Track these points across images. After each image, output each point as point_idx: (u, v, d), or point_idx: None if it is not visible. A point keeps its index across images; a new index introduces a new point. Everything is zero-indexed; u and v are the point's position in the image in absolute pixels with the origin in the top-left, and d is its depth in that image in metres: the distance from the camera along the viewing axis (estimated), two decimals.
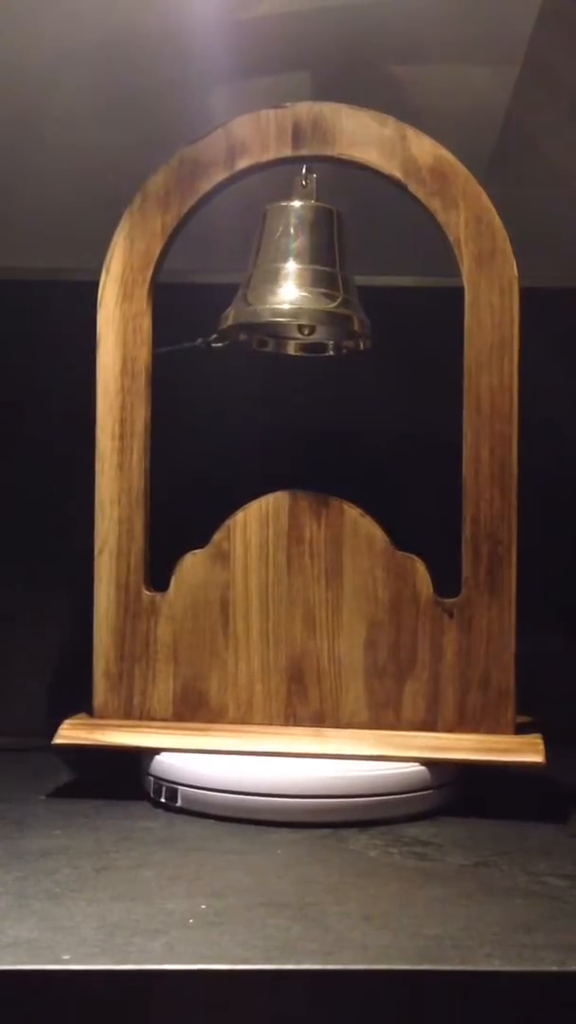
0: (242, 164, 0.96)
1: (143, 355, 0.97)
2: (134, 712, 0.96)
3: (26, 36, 1.05)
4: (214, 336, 0.99)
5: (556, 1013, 0.60)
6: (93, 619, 0.97)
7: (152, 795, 0.93)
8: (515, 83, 1.05)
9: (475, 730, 0.93)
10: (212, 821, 0.88)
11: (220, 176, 0.97)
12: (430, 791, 0.90)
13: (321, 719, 0.94)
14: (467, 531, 0.94)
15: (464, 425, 0.94)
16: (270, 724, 0.94)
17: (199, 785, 0.89)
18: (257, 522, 0.95)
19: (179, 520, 0.97)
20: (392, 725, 0.93)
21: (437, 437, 0.99)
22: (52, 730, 0.95)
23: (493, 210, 0.94)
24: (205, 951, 0.61)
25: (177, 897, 0.70)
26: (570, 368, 1.14)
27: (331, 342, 1.06)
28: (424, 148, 0.95)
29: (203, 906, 0.68)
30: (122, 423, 0.96)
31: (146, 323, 0.97)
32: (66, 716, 0.97)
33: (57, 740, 0.94)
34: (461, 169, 0.94)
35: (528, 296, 0.94)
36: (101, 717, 0.96)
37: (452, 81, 1.07)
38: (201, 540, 0.96)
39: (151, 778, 0.93)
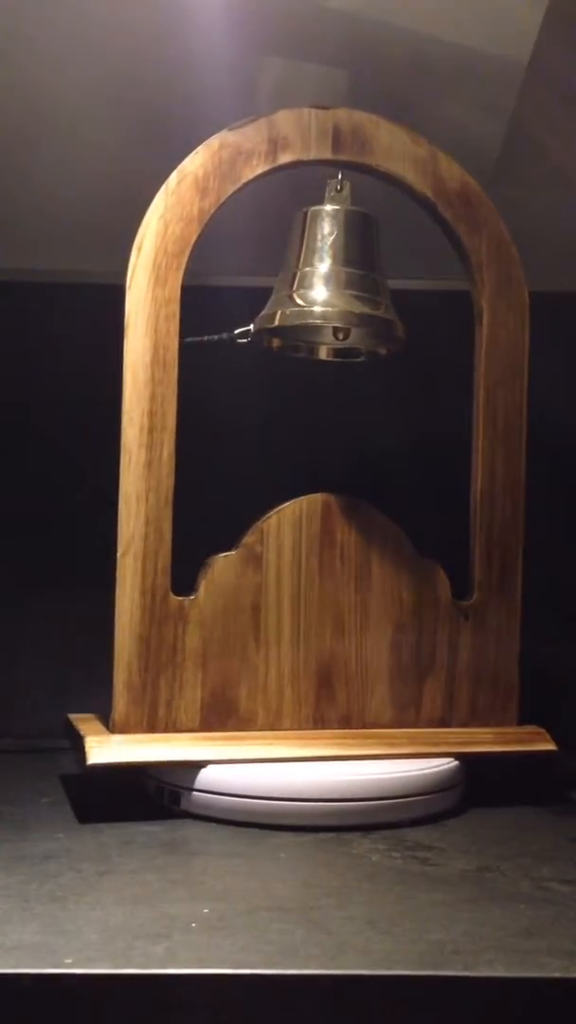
0: (285, 158, 0.94)
1: (175, 345, 0.91)
2: (159, 724, 0.90)
3: (32, 38, 1.04)
4: (240, 331, 0.97)
5: (558, 1019, 0.60)
6: (106, 623, 0.91)
7: (155, 798, 0.91)
8: (520, 86, 1.07)
9: (485, 724, 0.98)
10: (215, 825, 0.87)
11: (262, 167, 0.94)
12: (433, 795, 0.92)
13: (348, 721, 0.95)
14: (480, 538, 0.98)
15: (479, 439, 0.98)
16: (299, 728, 0.94)
17: (202, 789, 0.88)
18: (290, 525, 0.94)
19: (181, 521, 0.94)
20: (412, 723, 0.96)
21: (435, 439, 0.99)
22: (54, 732, 0.92)
23: (509, 238, 0.99)
24: (207, 955, 0.61)
25: (179, 901, 0.69)
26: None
27: (363, 347, 1.05)
28: (453, 173, 0.98)
29: (205, 910, 0.68)
30: (151, 416, 0.90)
31: (178, 312, 0.91)
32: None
33: (91, 761, 0.86)
34: (484, 197, 0.99)
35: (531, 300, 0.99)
36: (122, 731, 0.90)
37: (457, 85, 1.07)
38: (200, 543, 0.94)
39: (154, 781, 0.91)
